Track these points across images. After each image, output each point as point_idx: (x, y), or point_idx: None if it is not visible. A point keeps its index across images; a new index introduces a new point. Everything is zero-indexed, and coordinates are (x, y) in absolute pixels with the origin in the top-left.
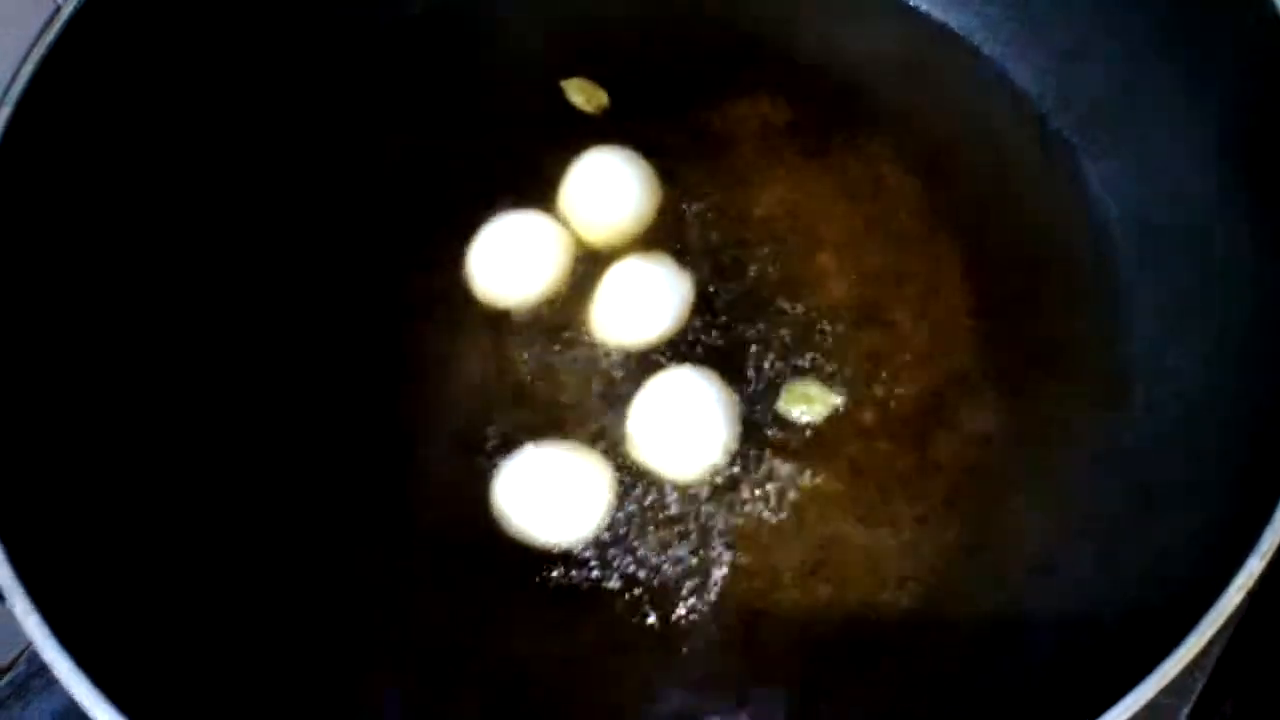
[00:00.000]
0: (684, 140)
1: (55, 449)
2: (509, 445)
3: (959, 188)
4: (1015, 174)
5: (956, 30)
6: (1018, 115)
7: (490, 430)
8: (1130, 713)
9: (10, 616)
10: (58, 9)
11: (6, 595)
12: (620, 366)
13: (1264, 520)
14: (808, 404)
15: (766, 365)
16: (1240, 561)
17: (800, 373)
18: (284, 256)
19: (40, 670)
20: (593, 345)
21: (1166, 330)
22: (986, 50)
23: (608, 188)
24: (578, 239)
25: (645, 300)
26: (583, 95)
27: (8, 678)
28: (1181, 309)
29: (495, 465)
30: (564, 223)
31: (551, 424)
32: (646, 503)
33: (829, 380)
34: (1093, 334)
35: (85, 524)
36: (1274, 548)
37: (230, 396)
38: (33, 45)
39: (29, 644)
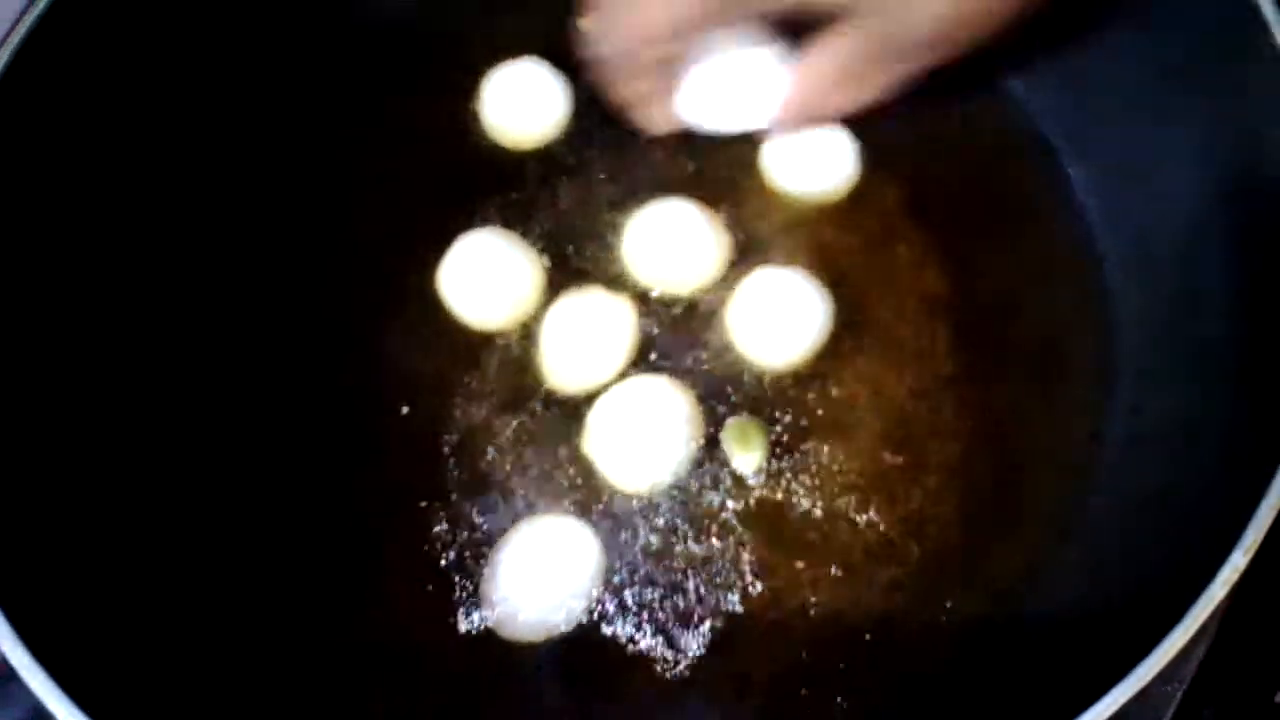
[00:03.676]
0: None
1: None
2: (473, 523)
3: (941, 191)
4: (998, 177)
5: None
6: (1001, 119)
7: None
8: (1127, 697)
9: None
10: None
11: None
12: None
13: (1248, 516)
14: (744, 446)
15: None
16: (1224, 557)
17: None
18: (258, 261)
19: None
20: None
21: (1151, 335)
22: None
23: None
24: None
25: (595, 342)
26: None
27: None
28: (1166, 314)
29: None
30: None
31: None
32: (637, 544)
33: (806, 383)
34: (1076, 338)
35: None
36: (1257, 544)
37: (187, 410)
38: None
39: None
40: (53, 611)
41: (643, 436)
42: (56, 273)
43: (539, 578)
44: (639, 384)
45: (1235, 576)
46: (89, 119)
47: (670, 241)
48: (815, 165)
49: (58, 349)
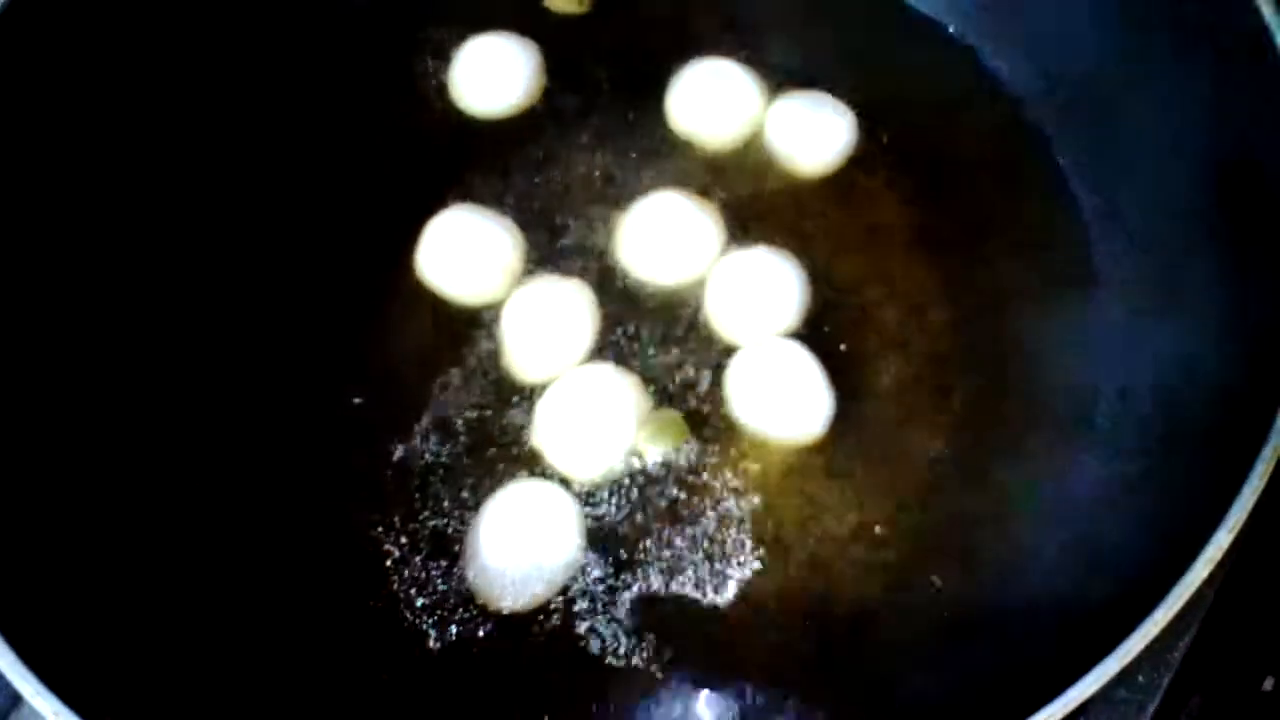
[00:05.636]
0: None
1: None
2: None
3: (931, 177)
4: (989, 164)
5: (930, 15)
6: (993, 106)
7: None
8: (1112, 673)
9: None
10: None
11: None
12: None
13: (1232, 495)
14: (658, 437)
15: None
16: (1209, 535)
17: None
18: (236, 245)
19: None
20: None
21: (1140, 320)
22: (961, 38)
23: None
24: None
25: (557, 331)
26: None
27: None
28: (1154, 299)
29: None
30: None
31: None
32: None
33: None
34: (1065, 324)
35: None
36: (1241, 523)
37: (160, 392)
38: None
39: None
40: (31, 602)
41: (591, 425)
42: (41, 252)
43: (518, 540)
44: (586, 373)
45: (1219, 554)
46: (71, 107)
47: (657, 233)
48: (810, 145)
49: (47, 331)
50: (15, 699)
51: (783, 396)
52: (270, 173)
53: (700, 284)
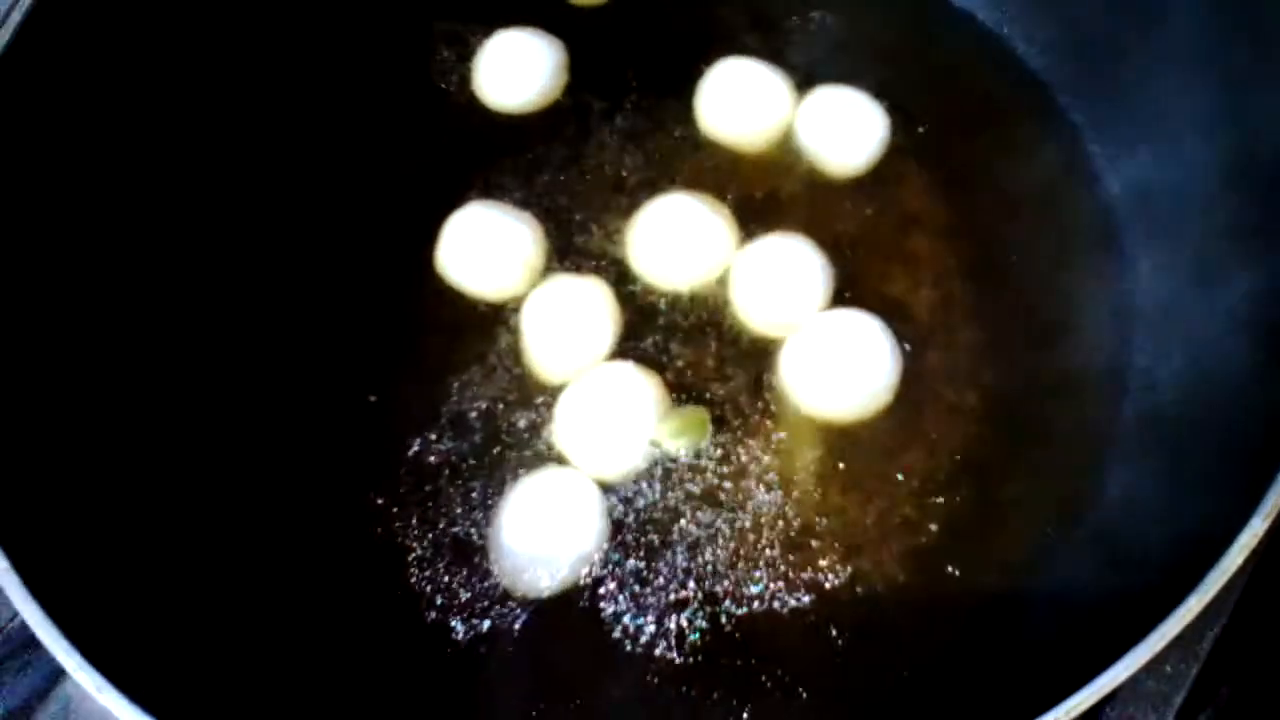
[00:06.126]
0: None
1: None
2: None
3: (958, 164)
4: (1017, 150)
5: (959, 6)
6: (1023, 95)
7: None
8: (1145, 659)
9: None
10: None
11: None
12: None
13: (1266, 482)
14: (681, 433)
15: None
16: (1243, 523)
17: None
18: (257, 246)
19: (15, 652)
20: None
21: (1168, 308)
22: (991, 27)
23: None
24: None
25: (578, 330)
26: None
27: None
28: (1184, 283)
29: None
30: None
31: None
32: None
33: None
34: (1093, 314)
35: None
36: (1278, 509)
37: (205, 395)
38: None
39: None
40: (70, 581)
41: (611, 424)
42: (54, 246)
43: (542, 521)
44: (606, 372)
45: (1254, 542)
46: (87, 104)
47: (669, 236)
48: (842, 141)
49: (57, 328)
50: (59, 673)
51: (852, 365)
52: (292, 167)
53: (717, 282)
